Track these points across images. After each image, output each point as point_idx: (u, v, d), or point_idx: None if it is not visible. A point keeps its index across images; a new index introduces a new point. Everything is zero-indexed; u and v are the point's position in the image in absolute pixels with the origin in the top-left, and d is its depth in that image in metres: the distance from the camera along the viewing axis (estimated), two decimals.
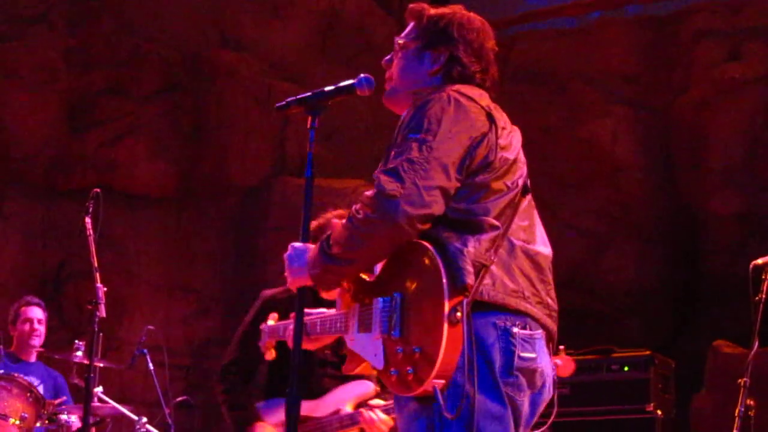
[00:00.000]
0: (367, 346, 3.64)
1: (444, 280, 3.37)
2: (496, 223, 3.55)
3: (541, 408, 3.70)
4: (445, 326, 3.34)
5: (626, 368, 8.39)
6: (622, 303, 11.10)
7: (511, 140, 3.70)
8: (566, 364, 6.04)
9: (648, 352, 8.53)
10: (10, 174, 11.52)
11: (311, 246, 3.70)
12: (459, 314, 3.35)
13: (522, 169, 3.72)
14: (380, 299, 3.58)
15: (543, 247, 3.69)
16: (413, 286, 3.50)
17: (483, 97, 3.71)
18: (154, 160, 11.75)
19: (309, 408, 5.74)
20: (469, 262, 3.42)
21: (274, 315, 4.57)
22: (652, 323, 10.89)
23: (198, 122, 12.00)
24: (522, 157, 3.74)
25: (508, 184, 3.63)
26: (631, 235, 11.37)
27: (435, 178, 3.47)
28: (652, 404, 8.29)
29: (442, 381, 3.38)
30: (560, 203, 11.17)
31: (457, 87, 3.70)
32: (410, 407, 3.57)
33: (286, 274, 3.75)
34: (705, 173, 11.11)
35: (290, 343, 3.85)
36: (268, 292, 6.06)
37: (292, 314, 3.84)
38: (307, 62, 12.39)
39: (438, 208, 3.47)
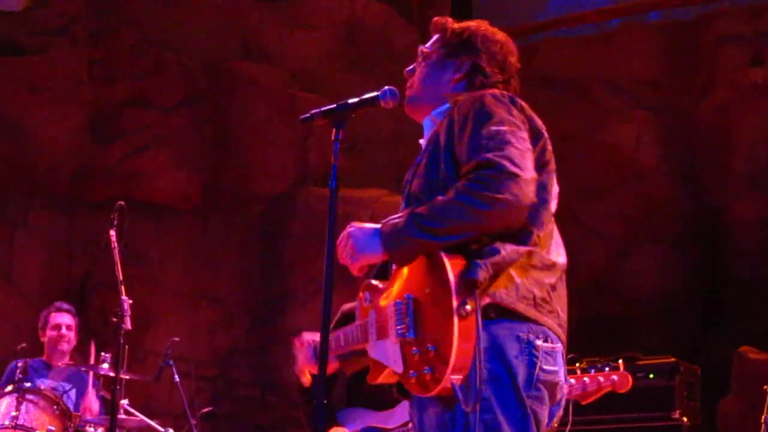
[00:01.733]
0: (387, 352, 3.64)
1: (450, 274, 3.39)
2: (539, 236, 3.60)
3: (554, 421, 3.71)
4: (455, 320, 3.34)
5: (652, 375, 8.37)
6: (646, 308, 11.06)
7: (550, 148, 3.76)
8: (622, 380, 5.91)
9: (673, 360, 8.51)
10: (35, 185, 11.57)
11: (374, 225, 3.68)
12: (469, 307, 3.35)
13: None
14: (392, 303, 3.60)
15: (558, 255, 3.70)
16: (425, 286, 3.51)
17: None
18: (178, 171, 11.77)
19: (380, 419, 5.81)
20: (491, 264, 3.43)
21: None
22: (677, 329, 10.84)
23: (221, 132, 12.02)
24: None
25: (554, 189, 3.71)
26: (655, 240, 11.33)
27: (534, 169, 3.54)
28: (678, 411, 8.27)
29: (460, 376, 3.37)
30: (583, 208, 11.15)
31: (499, 90, 3.75)
32: (434, 407, 3.57)
33: (349, 254, 3.67)
34: (729, 177, 11.07)
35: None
36: (346, 306, 6.05)
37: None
38: (328, 72, 12.41)
39: None
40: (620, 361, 6.02)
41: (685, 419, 8.26)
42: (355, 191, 10.95)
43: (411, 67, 4.05)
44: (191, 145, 11.89)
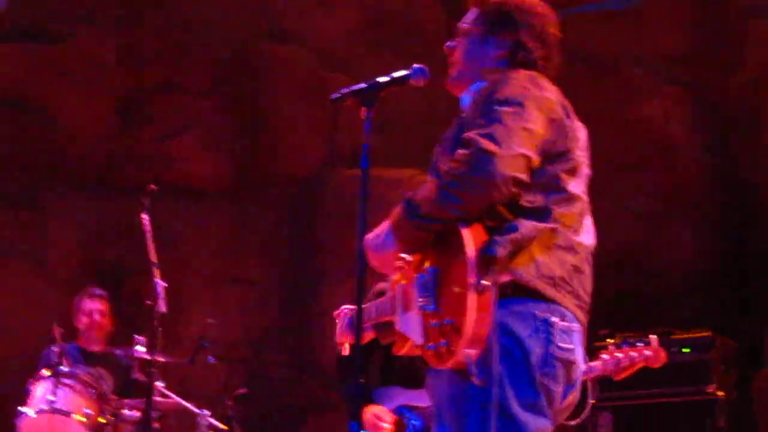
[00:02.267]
0: (410, 324, 3.69)
1: (469, 249, 3.42)
2: (562, 215, 3.60)
3: (567, 401, 3.69)
4: (472, 295, 3.37)
5: (687, 350, 8.34)
6: (679, 283, 11.01)
7: (580, 135, 3.75)
8: (656, 355, 5.82)
9: (709, 333, 8.48)
10: (65, 171, 11.62)
11: (382, 225, 3.74)
12: (486, 282, 3.38)
13: (586, 164, 3.76)
14: (416, 275, 3.64)
15: (586, 236, 3.71)
16: (446, 260, 3.54)
17: (555, 89, 3.76)
18: (208, 154, 11.80)
19: (413, 397, 5.85)
20: (509, 241, 3.46)
21: None
22: (710, 303, 10.79)
23: (250, 115, 12.02)
24: (587, 154, 3.78)
25: (578, 179, 3.70)
26: (687, 216, 11.28)
27: (525, 146, 3.51)
28: (713, 385, 8.24)
29: (475, 350, 3.40)
30: (613, 185, 11.08)
31: (530, 72, 3.74)
32: (449, 379, 3.58)
33: (376, 261, 3.78)
34: (760, 152, 11.00)
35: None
36: (380, 286, 6.05)
37: None
38: (355, 51, 12.37)
39: (526, 176, 3.51)
40: (653, 336, 5.97)
41: (720, 393, 8.23)
42: (385, 171, 10.92)
43: (452, 42, 4.03)
44: (220, 127, 11.91)
